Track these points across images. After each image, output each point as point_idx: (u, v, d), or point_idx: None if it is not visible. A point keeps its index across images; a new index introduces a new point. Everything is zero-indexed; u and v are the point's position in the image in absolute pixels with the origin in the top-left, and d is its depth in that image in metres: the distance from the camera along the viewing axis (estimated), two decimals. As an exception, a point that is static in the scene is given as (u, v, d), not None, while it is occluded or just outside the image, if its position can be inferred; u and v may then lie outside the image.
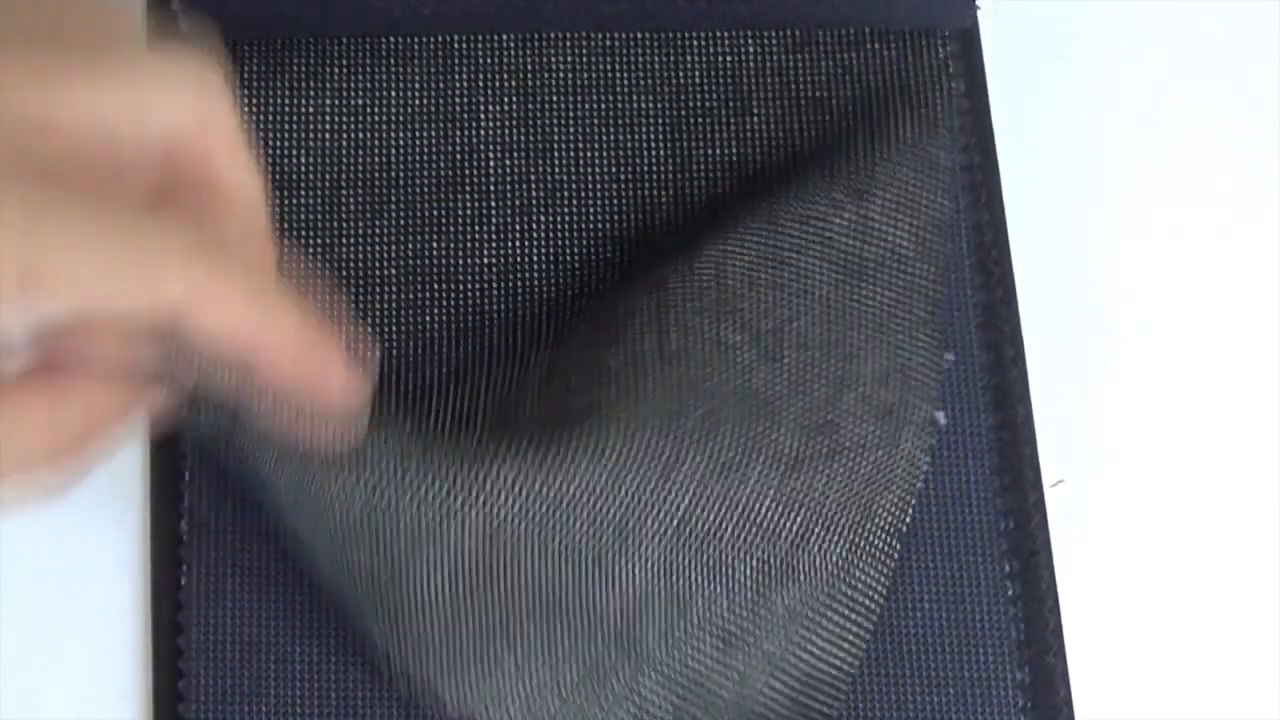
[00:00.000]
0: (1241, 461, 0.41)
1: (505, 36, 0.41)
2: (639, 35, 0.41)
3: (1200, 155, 0.44)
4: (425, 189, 0.40)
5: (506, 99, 0.41)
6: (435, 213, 0.40)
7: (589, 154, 0.41)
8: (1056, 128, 0.43)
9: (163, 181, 0.31)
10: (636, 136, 0.41)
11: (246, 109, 0.40)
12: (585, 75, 0.41)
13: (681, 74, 0.41)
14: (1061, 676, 0.38)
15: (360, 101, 0.40)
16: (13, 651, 0.37)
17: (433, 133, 0.40)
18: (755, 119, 0.41)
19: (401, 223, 0.40)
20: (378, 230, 0.39)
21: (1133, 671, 0.39)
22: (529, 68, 0.41)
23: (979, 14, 0.41)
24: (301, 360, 0.31)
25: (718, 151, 0.41)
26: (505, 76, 0.41)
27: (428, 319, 0.39)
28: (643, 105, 0.41)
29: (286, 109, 0.40)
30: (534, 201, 0.40)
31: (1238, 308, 0.42)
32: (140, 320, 0.29)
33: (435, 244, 0.40)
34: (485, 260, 0.39)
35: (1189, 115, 0.44)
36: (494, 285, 0.39)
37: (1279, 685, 0.39)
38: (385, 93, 0.40)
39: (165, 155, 0.31)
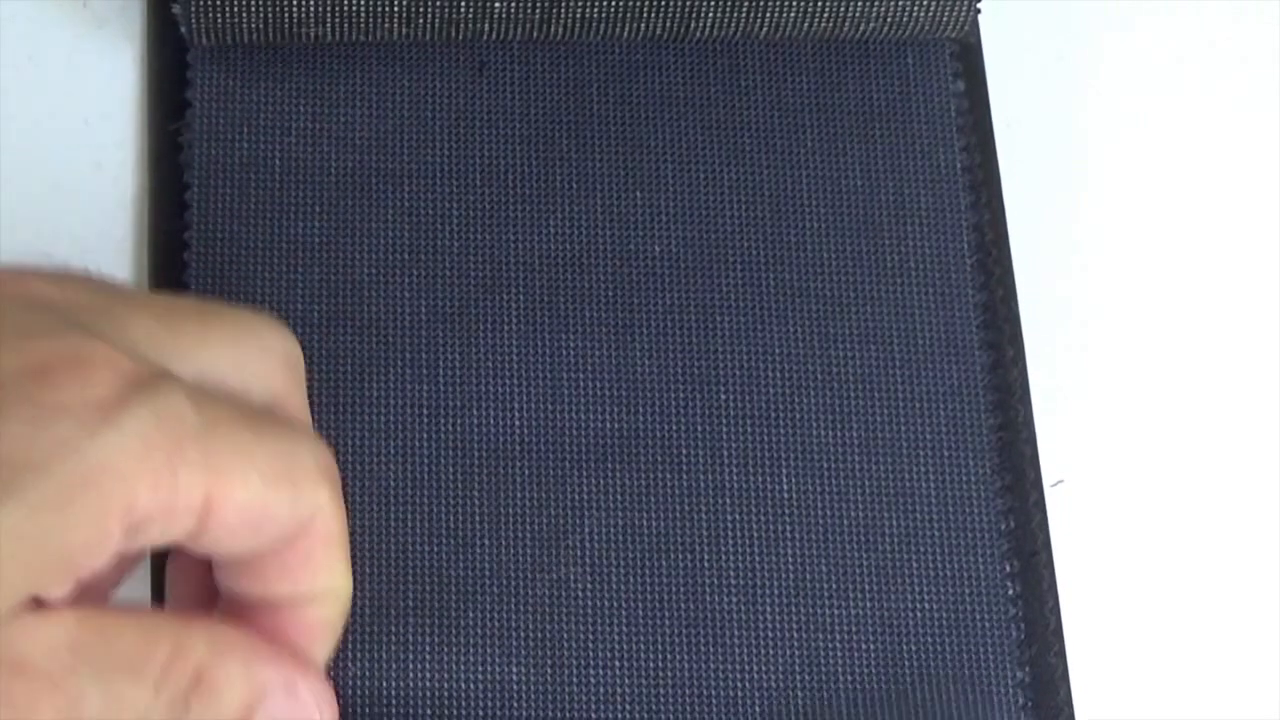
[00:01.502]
0: (1242, 461, 0.41)
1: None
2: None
3: (1202, 155, 0.44)
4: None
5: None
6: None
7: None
8: (1056, 128, 0.43)
9: None
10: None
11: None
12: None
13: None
14: (1061, 676, 0.38)
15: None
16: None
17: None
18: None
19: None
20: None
21: (1133, 671, 0.39)
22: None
23: (979, 15, 0.41)
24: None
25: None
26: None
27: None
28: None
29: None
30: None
31: (1239, 308, 0.42)
32: (276, 529, 0.31)
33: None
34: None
35: (1190, 115, 0.44)
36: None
37: (1279, 685, 0.39)
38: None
39: None
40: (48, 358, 0.28)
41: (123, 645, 0.29)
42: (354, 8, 0.39)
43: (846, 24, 0.41)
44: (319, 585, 0.33)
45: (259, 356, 0.33)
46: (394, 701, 0.36)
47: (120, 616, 0.29)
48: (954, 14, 0.41)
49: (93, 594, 0.32)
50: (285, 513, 0.31)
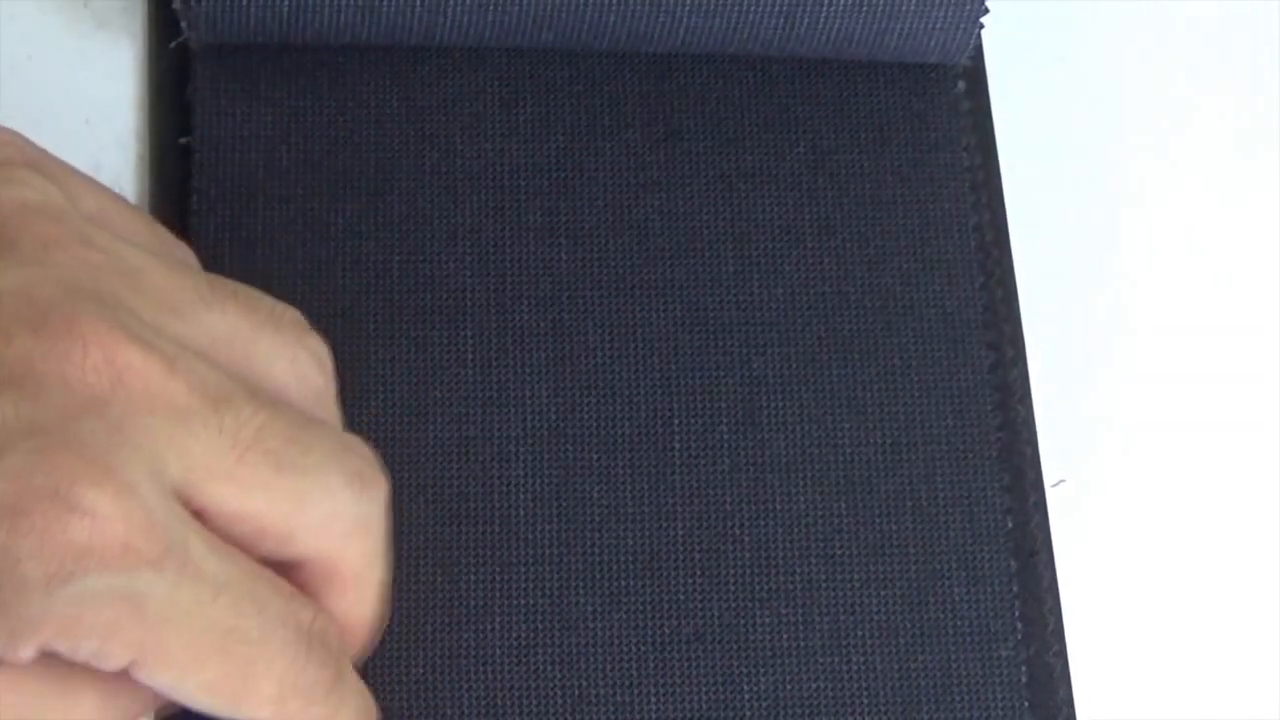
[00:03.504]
0: (1242, 461, 0.41)
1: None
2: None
3: (1202, 155, 0.44)
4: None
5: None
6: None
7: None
8: (1057, 128, 0.43)
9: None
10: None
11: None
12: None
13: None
14: (1061, 676, 0.38)
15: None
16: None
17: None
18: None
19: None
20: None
21: (1133, 672, 0.39)
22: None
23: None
24: None
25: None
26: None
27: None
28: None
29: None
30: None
31: (1239, 307, 0.42)
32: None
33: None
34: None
35: (1190, 115, 0.44)
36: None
37: (1279, 685, 0.39)
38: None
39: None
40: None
41: None
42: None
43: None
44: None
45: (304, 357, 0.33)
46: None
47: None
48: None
49: None
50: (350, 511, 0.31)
